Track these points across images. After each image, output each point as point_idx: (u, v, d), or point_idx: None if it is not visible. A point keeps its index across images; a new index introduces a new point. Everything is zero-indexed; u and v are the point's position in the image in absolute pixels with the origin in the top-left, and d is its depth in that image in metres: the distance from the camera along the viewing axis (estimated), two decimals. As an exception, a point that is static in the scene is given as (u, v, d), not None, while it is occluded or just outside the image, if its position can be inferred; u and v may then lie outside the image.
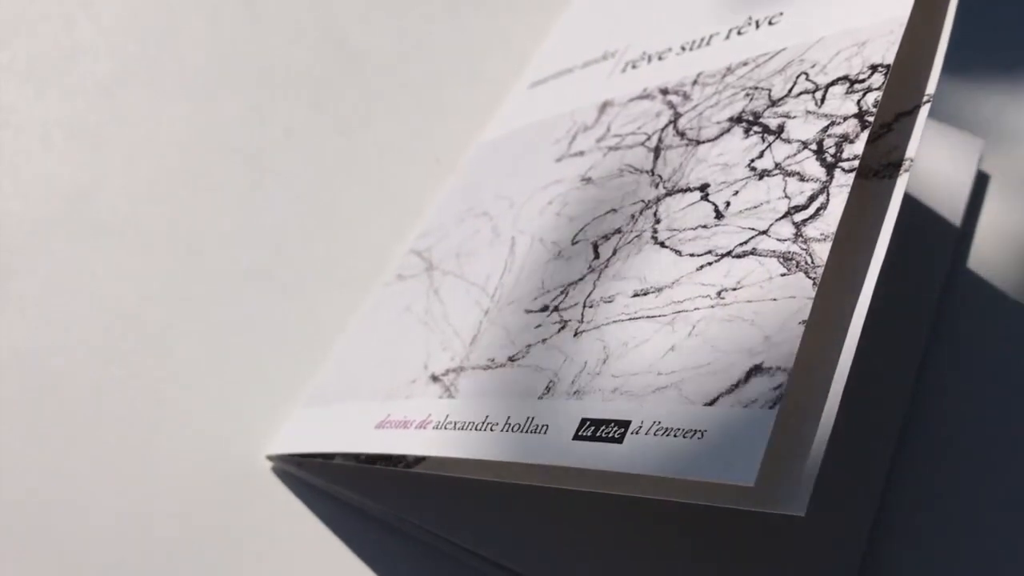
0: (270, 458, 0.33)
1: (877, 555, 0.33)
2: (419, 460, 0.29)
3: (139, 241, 0.36)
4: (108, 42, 0.40)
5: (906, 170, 0.27)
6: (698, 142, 0.30)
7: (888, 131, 0.28)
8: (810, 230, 0.25)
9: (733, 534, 0.32)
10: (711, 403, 0.23)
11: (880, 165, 0.27)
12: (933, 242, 0.38)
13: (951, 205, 0.39)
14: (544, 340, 0.28)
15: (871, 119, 0.26)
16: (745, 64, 0.32)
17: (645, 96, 0.34)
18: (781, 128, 0.28)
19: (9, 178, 0.36)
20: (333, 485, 0.32)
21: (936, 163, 0.40)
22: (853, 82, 0.28)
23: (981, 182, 0.41)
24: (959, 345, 0.37)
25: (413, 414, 0.29)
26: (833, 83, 0.28)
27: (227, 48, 0.41)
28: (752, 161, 0.28)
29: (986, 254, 0.39)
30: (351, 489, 0.32)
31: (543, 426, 0.26)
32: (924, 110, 0.28)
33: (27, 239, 0.35)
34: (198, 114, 0.39)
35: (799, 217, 0.25)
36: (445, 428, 0.28)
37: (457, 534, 0.31)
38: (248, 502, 0.32)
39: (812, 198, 0.26)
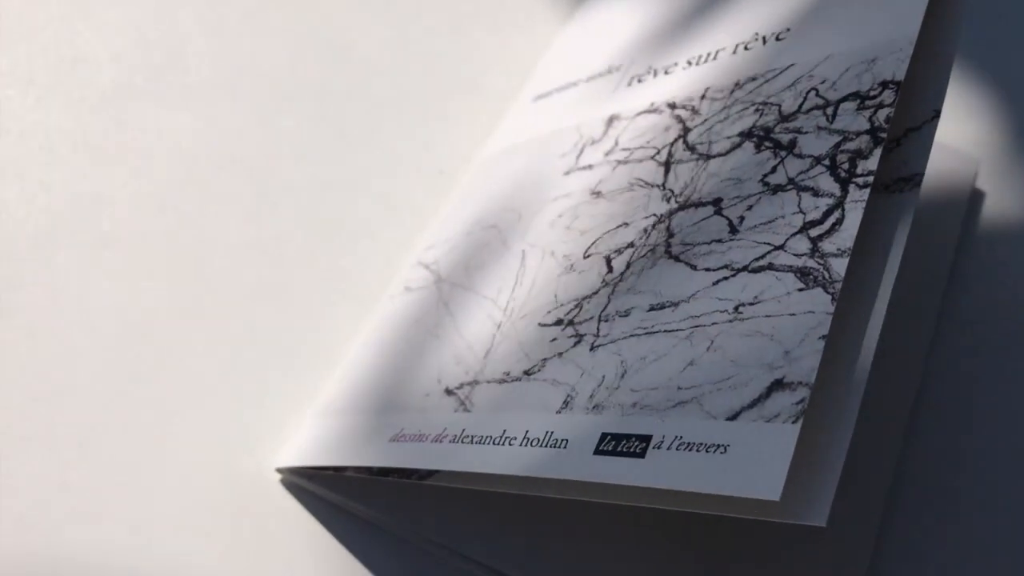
0: (279, 471, 0.33)
1: (884, 558, 0.33)
2: (432, 472, 0.29)
3: (144, 252, 0.36)
4: (110, 51, 0.40)
5: (916, 184, 0.27)
6: (709, 156, 0.31)
7: (897, 146, 0.28)
8: (827, 245, 0.25)
9: (735, 539, 0.32)
10: (733, 418, 0.23)
11: (891, 180, 0.27)
12: (931, 259, 0.39)
13: (948, 222, 0.40)
14: (560, 354, 0.28)
15: (884, 135, 0.27)
16: (754, 79, 0.32)
17: (653, 110, 0.34)
18: (793, 143, 0.28)
19: (12, 186, 0.36)
20: (343, 498, 0.32)
21: (933, 181, 0.41)
22: (864, 98, 0.28)
23: (976, 199, 0.41)
24: (958, 358, 0.37)
25: (428, 428, 0.29)
26: (844, 99, 0.28)
27: (230, 59, 0.41)
28: (765, 176, 0.28)
29: (983, 270, 0.40)
30: (362, 502, 0.32)
31: (562, 440, 0.26)
32: (933, 125, 0.28)
33: (31, 249, 0.35)
34: (202, 124, 0.39)
35: (815, 232, 0.26)
36: (462, 442, 0.28)
37: (469, 547, 0.31)
38: (257, 515, 0.32)
39: (827, 213, 0.26)
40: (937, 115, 0.28)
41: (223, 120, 0.40)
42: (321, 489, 0.32)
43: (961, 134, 0.44)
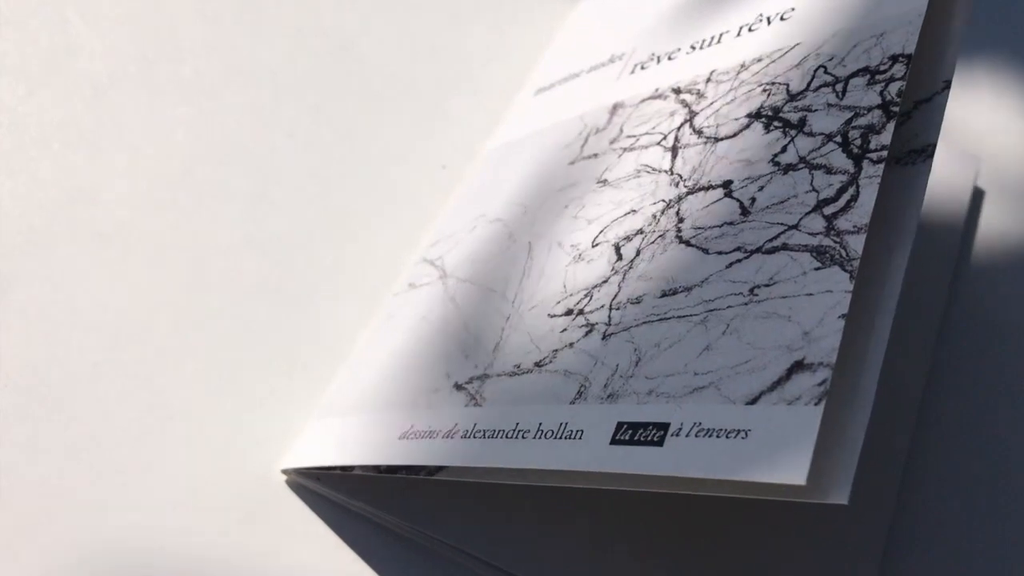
0: (285, 472, 0.32)
1: (895, 556, 0.32)
2: (440, 467, 0.28)
3: (142, 249, 0.35)
4: (103, 42, 0.39)
5: (929, 155, 0.26)
6: (717, 139, 0.30)
7: (908, 119, 0.28)
8: (842, 222, 0.25)
9: (749, 525, 0.31)
10: (753, 402, 0.23)
11: (902, 153, 0.27)
12: (934, 257, 0.38)
13: (950, 221, 0.40)
14: (571, 344, 0.28)
15: (896, 109, 0.26)
16: (759, 60, 0.31)
17: (657, 96, 0.34)
18: (803, 122, 0.28)
19: (4, 181, 0.35)
20: (350, 499, 0.31)
21: (934, 181, 0.40)
22: (874, 73, 0.27)
23: (977, 198, 0.41)
24: (963, 355, 0.37)
25: (438, 424, 0.29)
26: (853, 75, 0.28)
27: (227, 50, 0.41)
28: (775, 156, 0.28)
29: (985, 268, 0.40)
30: (370, 503, 0.31)
31: (578, 431, 0.25)
32: (944, 96, 0.28)
33: (25, 245, 0.34)
34: (199, 118, 0.39)
35: (829, 210, 0.25)
36: (473, 437, 0.27)
37: (478, 547, 0.31)
38: (263, 517, 0.32)
39: (841, 190, 0.25)
40: (947, 86, 0.28)
41: (220, 114, 0.39)
42: (328, 490, 0.32)
43: (962, 133, 0.43)
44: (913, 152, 0.27)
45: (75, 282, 0.34)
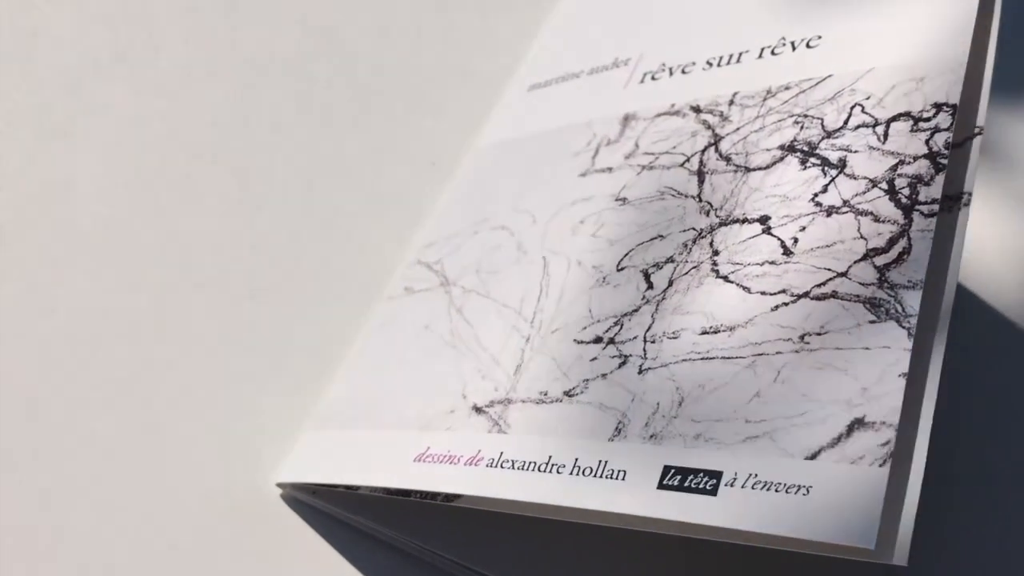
0: (280, 485, 0.31)
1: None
2: (458, 494, 0.28)
3: (121, 248, 0.33)
4: (72, 28, 0.36)
5: (966, 204, 0.27)
6: (748, 169, 0.30)
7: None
8: (895, 275, 0.25)
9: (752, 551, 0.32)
10: (812, 457, 0.23)
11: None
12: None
13: None
14: (604, 375, 0.27)
15: (944, 161, 0.26)
16: (787, 88, 0.31)
17: (674, 112, 0.33)
18: (843, 162, 0.28)
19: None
20: (350, 514, 0.30)
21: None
22: (917, 120, 0.27)
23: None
24: (959, 356, 0.38)
25: (459, 448, 0.28)
26: (894, 118, 0.28)
27: (205, 39, 0.38)
28: (816, 195, 0.27)
29: (977, 266, 0.40)
30: (370, 518, 0.30)
31: (620, 471, 0.25)
32: (976, 142, 0.28)
33: (-3, 242, 0.32)
34: (176, 110, 0.36)
35: (880, 260, 0.25)
36: (501, 466, 0.27)
37: (484, 565, 0.30)
38: (257, 532, 0.30)
39: (892, 241, 0.25)
40: (980, 131, 0.28)
41: (199, 106, 0.37)
42: (324, 504, 0.31)
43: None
44: (948, 199, 0.27)
45: (50, 282, 0.32)
